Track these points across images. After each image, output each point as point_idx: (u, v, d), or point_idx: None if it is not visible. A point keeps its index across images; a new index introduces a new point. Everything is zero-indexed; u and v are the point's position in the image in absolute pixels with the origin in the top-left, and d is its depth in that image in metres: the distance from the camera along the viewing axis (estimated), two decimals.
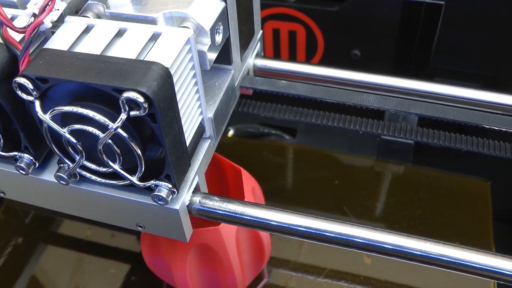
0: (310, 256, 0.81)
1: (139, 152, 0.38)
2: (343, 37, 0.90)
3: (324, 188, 0.89)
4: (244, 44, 0.48)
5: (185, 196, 0.42)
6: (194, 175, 0.43)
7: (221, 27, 0.42)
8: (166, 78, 0.36)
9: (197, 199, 0.44)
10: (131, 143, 0.37)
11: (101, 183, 0.42)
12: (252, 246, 0.62)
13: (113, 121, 0.36)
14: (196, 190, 0.44)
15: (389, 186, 0.87)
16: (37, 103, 0.38)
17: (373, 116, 0.51)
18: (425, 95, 0.51)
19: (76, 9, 0.45)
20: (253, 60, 0.53)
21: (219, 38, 0.42)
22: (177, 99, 0.38)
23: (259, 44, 0.53)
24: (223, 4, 0.42)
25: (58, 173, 0.42)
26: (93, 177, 0.42)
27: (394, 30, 0.86)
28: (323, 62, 0.93)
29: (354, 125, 0.49)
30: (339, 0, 0.86)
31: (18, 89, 0.37)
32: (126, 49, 0.38)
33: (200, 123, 0.43)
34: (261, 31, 0.53)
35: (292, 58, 0.94)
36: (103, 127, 0.37)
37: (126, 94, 0.34)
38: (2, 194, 0.50)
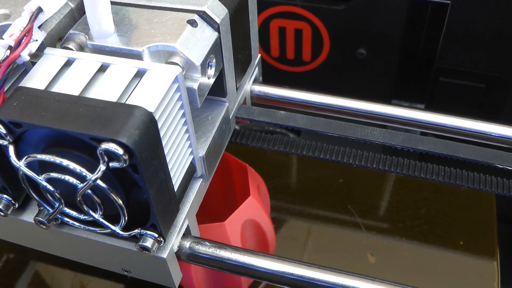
0: (314, 255, 0.82)
1: (121, 202, 0.34)
2: (349, 36, 0.89)
3: (329, 186, 0.88)
4: (241, 73, 0.44)
5: (174, 242, 0.39)
6: (184, 219, 0.39)
7: (214, 60, 0.38)
8: (149, 124, 0.32)
9: (186, 243, 0.40)
10: (112, 194, 0.33)
11: (83, 229, 0.38)
12: (257, 243, 0.61)
13: (92, 171, 0.32)
14: (186, 234, 0.40)
15: (393, 184, 0.86)
16: (11, 149, 0.34)
17: None
18: (432, 127, 0.47)
19: (59, 36, 0.41)
20: (250, 86, 0.49)
21: (211, 71, 0.38)
22: (163, 144, 0.34)
23: (257, 69, 0.49)
24: (215, 34, 0.38)
25: (38, 218, 0.39)
26: (74, 223, 0.38)
27: (400, 30, 0.84)
28: (328, 61, 0.93)
29: (354, 160, 0.45)
30: None
31: None
32: (108, 89, 0.34)
33: (191, 162, 0.39)
34: (259, 56, 0.49)
35: (298, 56, 0.93)
36: (81, 177, 0.33)
37: (104, 145, 0.30)
38: None
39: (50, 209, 0.38)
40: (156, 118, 0.32)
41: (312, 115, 0.46)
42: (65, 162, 0.32)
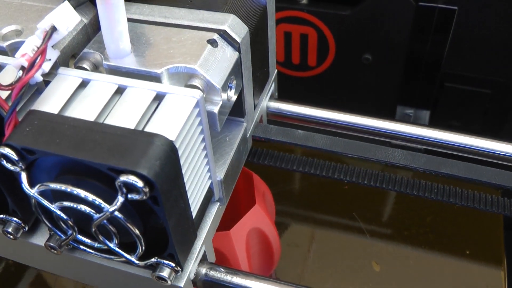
0: (319, 262, 0.81)
1: (138, 233, 0.32)
2: (354, 41, 0.87)
3: (334, 192, 0.88)
4: (259, 91, 0.42)
5: (191, 270, 0.37)
6: (201, 246, 0.38)
7: (234, 81, 0.36)
8: (170, 154, 0.30)
9: (203, 270, 0.38)
10: (129, 225, 0.31)
11: (96, 255, 0.37)
12: (262, 251, 0.61)
13: (109, 201, 0.30)
14: (202, 260, 0.39)
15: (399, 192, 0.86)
16: (24, 176, 0.32)
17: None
18: (454, 148, 0.45)
19: (72, 53, 0.39)
20: (267, 102, 0.47)
21: (231, 93, 0.36)
22: (183, 173, 0.32)
23: (273, 85, 0.47)
24: (236, 54, 0.36)
25: (49, 243, 0.37)
26: (88, 250, 0.36)
27: (406, 35, 0.83)
28: (334, 66, 0.92)
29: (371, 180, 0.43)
30: (351, 4, 0.83)
31: (2, 159, 0.32)
32: (125, 114, 0.32)
33: (209, 187, 0.38)
34: (275, 71, 0.47)
35: (303, 61, 0.92)
36: (97, 208, 0.31)
37: (123, 177, 0.28)
38: None
39: (62, 236, 0.36)
40: (177, 146, 0.31)
41: (330, 133, 0.45)
42: (82, 193, 0.30)
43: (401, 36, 0.83)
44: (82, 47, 0.39)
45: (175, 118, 0.31)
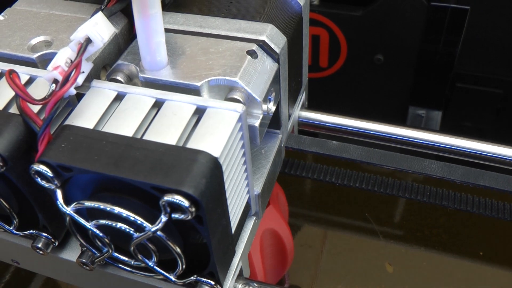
0: (332, 263, 0.80)
1: (179, 251, 0.30)
2: (366, 42, 0.86)
3: (346, 194, 0.87)
4: (293, 101, 0.41)
5: (229, 287, 0.35)
6: (238, 262, 0.36)
7: (273, 93, 0.34)
8: (215, 171, 0.28)
9: (239, 286, 0.37)
10: (170, 243, 0.30)
11: (133, 273, 0.35)
12: (276, 252, 0.60)
13: (149, 219, 0.29)
14: (239, 276, 0.37)
15: None
16: (59, 193, 0.30)
17: None
18: (493, 159, 0.43)
19: (104, 64, 0.37)
20: (298, 112, 0.45)
21: (270, 105, 0.34)
22: (225, 190, 0.30)
23: (304, 93, 0.46)
24: (276, 66, 0.35)
25: (81, 259, 0.35)
26: (124, 267, 0.35)
27: (418, 35, 0.81)
28: (346, 67, 0.90)
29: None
30: (363, 5, 0.81)
31: (36, 176, 0.30)
32: (165, 129, 0.30)
33: (247, 201, 0.36)
34: (307, 80, 0.46)
35: (315, 62, 0.91)
36: (138, 226, 0.29)
37: (168, 197, 0.27)
38: (16, 263, 0.43)
39: (96, 252, 0.34)
40: (221, 163, 0.29)
41: (362, 143, 0.43)
42: (124, 212, 0.29)
43: (413, 36, 0.82)
44: (113, 58, 0.38)
45: (219, 133, 0.30)
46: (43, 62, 0.37)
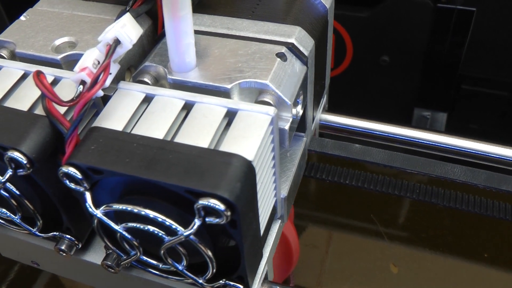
0: (337, 264, 0.80)
1: (211, 254, 0.30)
2: (372, 43, 0.86)
3: (351, 194, 0.86)
4: (317, 104, 0.40)
5: None
6: (265, 265, 0.36)
7: (301, 96, 0.34)
8: (249, 175, 0.28)
9: None
10: (202, 247, 0.29)
11: (160, 276, 0.35)
12: (281, 251, 0.59)
13: (181, 223, 0.28)
14: (264, 279, 0.37)
15: None
16: (88, 196, 0.30)
17: None
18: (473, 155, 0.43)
19: (128, 66, 0.37)
20: (319, 115, 0.45)
21: (299, 109, 0.34)
22: (257, 193, 0.30)
23: (325, 96, 0.45)
24: (304, 68, 0.34)
25: (106, 262, 0.35)
26: (151, 270, 0.34)
27: (424, 36, 0.81)
28: (351, 68, 0.90)
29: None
30: (369, 6, 0.81)
31: (65, 179, 0.30)
32: (196, 132, 0.30)
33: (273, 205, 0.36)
34: (328, 82, 0.45)
35: None
36: (169, 230, 0.29)
37: (203, 201, 0.26)
38: (35, 265, 0.42)
39: (123, 255, 0.34)
40: (254, 166, 0.29)
41: (384, 146, 0.43)
42: (157, 216, 0.28)
43: (419, 37, 0.81)
44: (137, 60, 0.37)
45: (251, 136, 0.29)
46: (68, 63, 0.36)
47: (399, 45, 0.84)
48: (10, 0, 0.88)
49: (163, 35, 0.37)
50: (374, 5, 0.80)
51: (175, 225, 0.28)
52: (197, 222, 0.27)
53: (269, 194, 0.33)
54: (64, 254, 0.36)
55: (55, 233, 0.36)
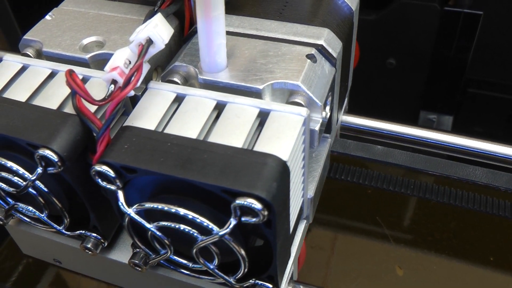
0: (342, 266, 0.80)
1: (243, 253, 0.30)
2: (378, 46, 0.85)
3: (357, 197, 0.86)
4: (341, 105, 0.41)
5: None
6: (291, 265, 0.36)
7: (330, 98, 0.34)
8: (284, 175, 0.28)
9: None
10: (235, 247, 0.30)
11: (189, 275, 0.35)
12: None
13: (215, 222, 0.29)
14: (289, 279, 0.37)
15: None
16: (121, 195, 0.30)
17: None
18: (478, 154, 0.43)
19: (155, 66, 0.37)
20: (341, 116, 0.45)
21: (327, 110, 0.34)
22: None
23: (346, 98, 0.46)
24: (333, 70, 0.34)
25: (133, 260, 0.35)
26: (178, 268, 0.34)
27: (430, 40, 0.81)
28: (357, 70, 0.90)
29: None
30: (376, 9, 0.81)
31: (97, 177, 0.30)
32: (229, 132, 0.30)
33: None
34: (350, 83, 0.45)
35: None
36: (202, 229, 0.29)
37: (240, 200, 0.26)
38: (57, 263, 0.43)
39: (151, 254, 0.34)
40: (289, 166, 0.29)
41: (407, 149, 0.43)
42: (193, 215, 0.29)
43: (426, 40, 0.81)
44: (164, 60, 0.37)
45: (285, 137, 0.29)
46: (95, 62, 0.36)
47: (406, 48, 0.84)
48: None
49: (190, 35, 0.37)
50: (381, 8, 0.80)
51: (210, 224, 0.28)
52: (233, 222, 0.28)
53: (298, 194, 0.33)
54: (90, 252, 0.37)
55: (81, 231, 0.36)
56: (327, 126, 0.38)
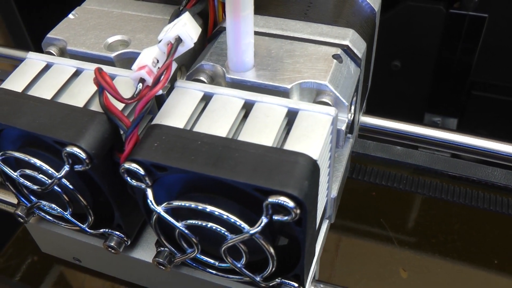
0: (346, 268, 0.80)
1: (272, 251, 0.30)
2: (384, 48, 0.86)
3: (362, 199, 0.85)
4: (362, 104, 0.41)
5: None
6: (315, 264, 0.36)
7: (355, 98, 0.35)
8: (314, 173, 0.28)
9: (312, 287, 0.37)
10: (265, 245, 0.30)
11: (209, 272, 0.35)
12: None
13: (247, 222, 0.29)
14: (312, 278, 0.37)
15: (426, 199, 0.83)
16: (150, 192, 0.30)
17: None
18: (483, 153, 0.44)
19: (180, 65, 0.37)
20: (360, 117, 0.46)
21: (352, 110, 0.34)
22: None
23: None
24: (358, 70, 0.35)
25: (158, 259, 0.35)
26: (203, 267, 0.35)
27: (435, 42, 0.82)
28: None
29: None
30: (381, 11, 0.81)
31: (126, 175, 0.30)
32: (259, 130, 0.30)
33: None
34: (370, 84, 0.46)
35: None
36: (232, 228, 0.29)
37: (272, 199, 0.27)
38: (77, 261, 0.43)
39: (177, 253, 0.34)
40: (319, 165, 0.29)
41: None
42: (224, 214, 0.29)
43: (431, 43, 0.82)
44: (188, 59, 0.38)
45: (315, 136, 0.30)
46: (121, 61, 0.36)
47: (411, 50, 0.84)
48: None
49: (215, 35, 0.37)
50: (386, 10, 0.81)
51: (241, 223, 0.29)
52: (264, 220, 0.28)
53: (323, 193, 0.34)
54: (113, 251, 0.37)
55: (105, 229, 0.37)
56: (350, 126, 0.38)
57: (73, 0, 0.44)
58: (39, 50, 0.39)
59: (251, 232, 0.28)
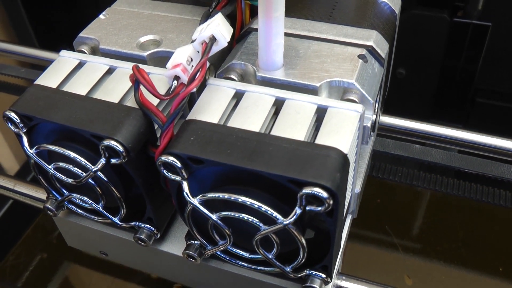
0: (351, 274, 0.80)
1: (304, 242, 0.32)
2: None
3: (366, 206, 0.88)
4: (382, 102, 0.43)
5: (334, 281, 0.37)
6: (339, 257, 0.38)
7: (379, 96, 0.36)
8: (345, 167, 0.30)
9: (339, 281, 0.38)
10: (297, 235, 0.31)
11: (238, 264, 0.37)
12: None
13: (281, 213, 0.30)
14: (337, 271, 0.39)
15: (431, 206, 0.84)
16: (185, 185, 0.32)
17: None
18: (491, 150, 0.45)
19: (209, 64, 0.39)
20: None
21: (377, 107, 0.36)
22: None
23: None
24: (382, 70, 0.36)
25: (188, 252, 0.36)
26: (234, 259, 0.36)
27: (440, 50, 0.83)
28: None
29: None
30: None
31: (162, 168, 0.32)
32: (291, 126, 0.32)
33: None
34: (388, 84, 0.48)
35: None
36: (266, 218, 0.31)
37: (307, 190, 0.28)
38: (104, 255, 0.44)
39: (208, 245, 0.36)
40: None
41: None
42: (258, 205, 0.30)
43: (435, 51, 0.83)
44: (217, 59, 0.39)
45: (344, 132, 0.31)
46: (153, 60, 0.38)
47: (415, 58, 0.86)
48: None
49: (243, 35, 0.39)
50: None
51: (276, 214, 0.30)
52: (298, 211, 0.29)
53: (349, 188, 0.35)
54: (143, 244, 0.38)
55: (135, 222, 0.38)
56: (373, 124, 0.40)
57: None
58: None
59: (285, 222, 0.30)
